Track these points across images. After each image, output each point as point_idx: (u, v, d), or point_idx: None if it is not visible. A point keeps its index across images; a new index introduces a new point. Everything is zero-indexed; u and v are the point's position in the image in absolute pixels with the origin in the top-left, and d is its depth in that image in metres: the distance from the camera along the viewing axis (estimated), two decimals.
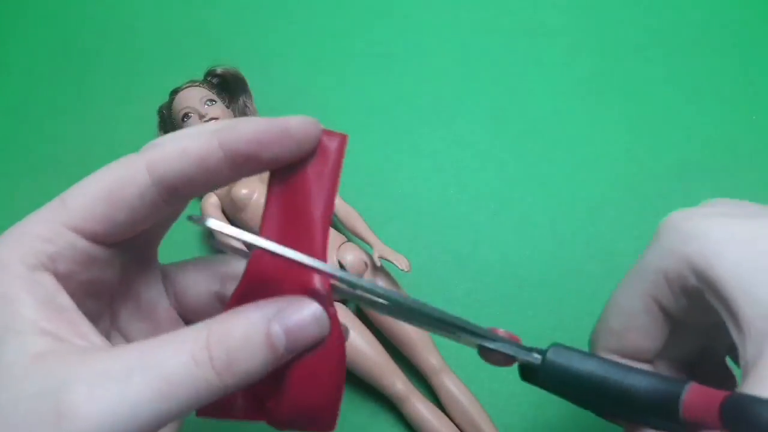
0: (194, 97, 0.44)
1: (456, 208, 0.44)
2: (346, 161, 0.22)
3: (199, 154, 0.20)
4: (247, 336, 0.19)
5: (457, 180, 0.45)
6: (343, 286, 0.21)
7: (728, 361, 0.27)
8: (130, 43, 0.52)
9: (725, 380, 0.27)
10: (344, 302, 0.39)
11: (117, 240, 0.21)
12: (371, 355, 0.36)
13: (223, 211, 0.42)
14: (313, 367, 0.21)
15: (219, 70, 0.46)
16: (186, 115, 0.44)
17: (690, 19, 0.52)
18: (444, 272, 0.42)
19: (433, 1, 0.53)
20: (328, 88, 0.50)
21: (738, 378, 0.25)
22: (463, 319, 0.22)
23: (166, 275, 0.24)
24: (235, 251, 0.25)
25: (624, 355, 0.25)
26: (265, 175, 0.22)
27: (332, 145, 0.22)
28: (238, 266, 0.24)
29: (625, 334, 0.24)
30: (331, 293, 0.21)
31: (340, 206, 0.41)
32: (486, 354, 0.23)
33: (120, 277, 0.22)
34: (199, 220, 0.20)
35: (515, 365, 0.24)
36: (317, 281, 0.21)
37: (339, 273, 0.20)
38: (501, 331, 0.23)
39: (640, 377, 0.21)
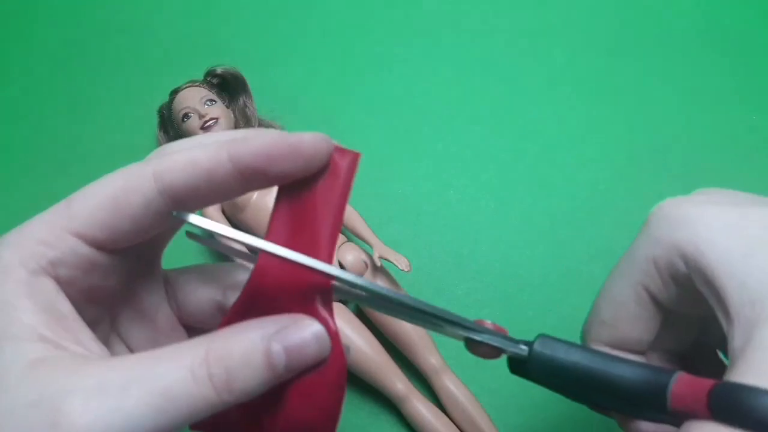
0: (194, 97, 0.44)
1: (456, 208, 0.44)
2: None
3: (208, 166, 0.19)
4: (246, 354, 0.18)
5: (457, 180, 0.45)
6: (344, 287, 0.21)
7: (720, 354, 0.27)
8: (130, 43, 0.52)
9: (719, 373, 0.27)
10: (344, 302, 0.39)
11: (120, 247, 0.21)
12: (371, 355, 0.36)
13: (223, 212, 0.42)
14: (313, 385, 0.20)
15: (219, 70, 0.46)
16: (186, 115, 0.44)
17: (690, 19, 0.52)
18: (444, 272, 0.42)
19: (432, 1, 0.53)
20: (328, 88, 0.50)
21: None
22: (449, 311, 0.22)
23: (168, 281, 0.24)
24: (237, 254, 0.25)
25: (616, 347, 0.25)
26: None
27: (344, 162, 0.21)
28: (241, 276, 0.24)
29: (616, 325, 0.24)
30: (333, 312, 0.21)
31: None
32: (473, 346, 0.23)
33: (122, 282, 0.22)
34: (181, 216, 0.19)
35: (504, 358, 0.23)
36: (320, 300, 0.21)
37: (336, 272, 0.20)
38: (488, 323, 0.23)
39: (627, 367, 0.21)
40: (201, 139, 0.22)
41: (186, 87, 0.45)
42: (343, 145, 0.21)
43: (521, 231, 0.43)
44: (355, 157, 0.21)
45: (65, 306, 0.19)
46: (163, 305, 0.24)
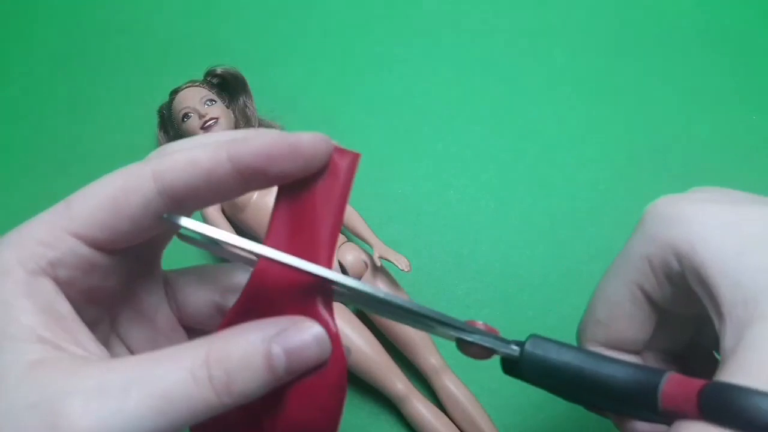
0: (194, 97, 0.44)
1: (456, 208, 0.44)
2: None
3: (207, 166, 0.19)
4: (247, 356, 0.18)
5: (457, 180, 0.45)
6: (344, 291, 0.21)
7: (716, 354, 0.27)
8: (130, 43, 0.52)
9: (714, 372, 0.27)
10: (344, 303, 0.39)
11: (119, 247, 0.21)
12: (371, 355, 0.36)
13: (223, 212, 0.42)
14: (313, 387, 0.20)
15: (219, 70, 0.46)
16: (186, 115, 0.44)
17: (690, 19, 0.52)
18: (444, 272, 0.42)
19: (432, 1, 0.53)
20: (328, 88, 0.50)
21: None
22: (440, 312, 0.21)
23: (168, 282, 0.24)
24: (232, 257, 0.25)
25: (611, 346, 0.25)
26: None
27: (343, 163, 0.21)
28: (241, 278, 0.23)
29: (610, 324, 0.24)
30: (334, 313, 0.21)
31: None
32: (464, 347, 0.22)
33: (122, 283, 0.22)
34: (172, 218, 0.19)
35: (497, 358, 0.23)
36: (320, 302, 0.20)
37: (335, 276, 0.20)
38: (479, 324, 0.22)
39: (618, 367, 0.21)
40: (201, 139, 0.21)
41: (186, 87, 0.45)
42: (343, 146, 0.21)
43: (521, 231, 0.43)
44: (355, 157, 0.21)
45: (64, 307, 0.19)
46: (162, 306, 0.24)
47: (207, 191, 0.20)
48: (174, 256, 0.26)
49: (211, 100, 0.44)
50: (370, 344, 0.37)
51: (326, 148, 0.20)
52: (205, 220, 0.41)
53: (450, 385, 0.37)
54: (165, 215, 0.20)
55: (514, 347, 0.22)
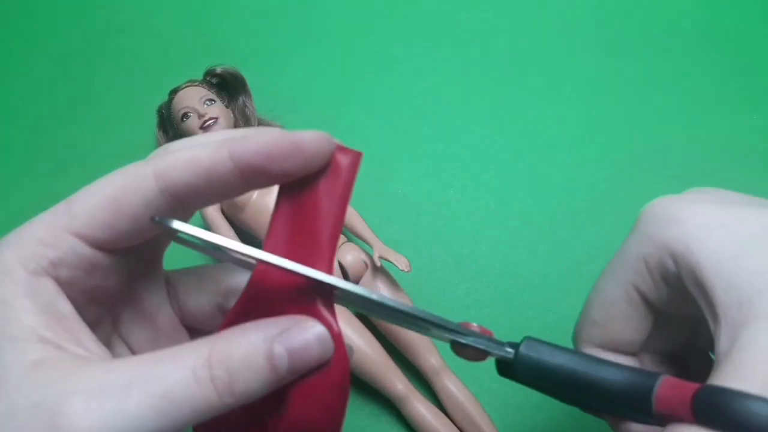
0: (193, 97, 0.44)
1: (456, 208, 0.44)
2: None
3: (208, 165, 0.19)
4: (249, 356, 0.18)
5: (457, 180, 0.45)
6: (341, 293, 0.21)
7: (712, 356, 0.27)
8: (130, 43, 0.52)
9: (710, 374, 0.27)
10: (343, 305, 0.39)
11: (121, 247, 0.20)
12: (372, 355, 0.36)
13: (223, 212, 0.42)
14: (316, 387, 0.20)
15: (218, 70, 0.46)
16: (185, 115, 0.44)
17: (690, 19, 0.52)
18: (444, 272, 0.42)
19: (432, 1, 0.53)
20: (328, 88, 0.50)
21: None
22: (434, 314, 0.21)
23: (170, 282, 0.24)
24: (237, 262, 0.25)
25: (606, 347, 0.25)
26: None
27: (345, 162, 0.21)
28: (242, 277, 0.23)
29: (606, 325, 0.24)
30: (336, 312, 0.21)
31: None
32: (459, 349, 0.22)
33: (123, 283, 0.22)
34: (163, 222, 0.19)
35: (492, 360, 0.23)
36: (322, 301, 0.20)
37: (329, 279, 0.20)
38: (474, 326, 0.22)
39: (612, 370, 0.21)
40: (202, 138, 0.21)
41: (185, 87, 0.45)
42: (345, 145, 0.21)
43: (521, 231, 0.43)
44: (357, 156, 0.21)
45: (66, 307, 0.19)
46: (164, 306, 0.24)
47: (208, 190, 0.20)
48: (176, 257, 0.26)
49: (211, 100, 0.44)
50: (370, 345, 0.37)
51: (328, 146, 0.20)
52: (205, 220, 0.41)
53: (450, 385, 0.37)
54: (156, 218, 0.20)
55: (509, 349, 0.22)
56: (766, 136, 0.47)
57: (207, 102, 0.44)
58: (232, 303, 0.23)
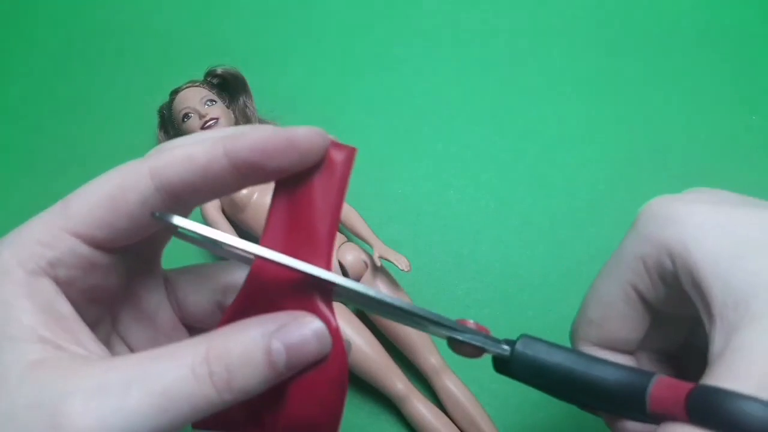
0: (194, 97, 0.44)
1: (456, 208, 0.44)
2: None
3: (204, 162, 0.19)
4: (247, 352, 0.18)
5: (457, 180, 0.45)
6: (340, 290, 0.21)
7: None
8: (130, 43, 0.52)
9: None
10: (345, 302, 0.39)
11: (119, 246, 0.21)
12: (371, 355, 0.36)
13: (223, 212, 0.42)
14: (314, 383, 0.20)
15: (219, 70, 0.46)
16: (186, 115, 0.44)
17: (690, 19, 0.52)
18: (444, 272, 0.42)
19: (432, 1, 0.53)
20: (328, 88, 0.50)
21: None
22: (431, 311, 0.21)
23: (168, 281, 0.24)
24: (237, 258, 0.25)
25: (604, 346, 0.25)
26: None
27: (340, 157, 0.21)
28: (241, 275, 0.23)
29: (603, 324, 0.24)
30: (334, 308, 0.21)
31: None
32: (456, 346, 0.23)
33: (122, 282, 0.22)
34: (164, 217, 0.19)
35: (489, 357, 0.23)
36: (320, 297, 0.20)
37: (338, 279, 0.20)
38: (470, 323, 0.22)
39: (607, 369, 0.21)
40: (198, 136, 0.21)
41: (186, 87, 0.45)
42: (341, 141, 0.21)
43: (521, 231, 0.43)
44: (352, 152, 0.21)
45: (65, 306, 0.19)
46: (163, 305, 0.24)
47: (204, 187, 0.20)
48: (174, 255, 0.26)
49: (212, 101, 0.44)
50: (370, 344, 0.37)
51: (322, 142, 0.20)
52: (205, 219, 0.41)
53: (450, 385, 0.37)
54: (157, 213, 0.20)
55: (505, 347, 0.22)
56: (766, 136, 0.47)
57: (208, 102, 0.44)
58: (231, 301, 0.23)
